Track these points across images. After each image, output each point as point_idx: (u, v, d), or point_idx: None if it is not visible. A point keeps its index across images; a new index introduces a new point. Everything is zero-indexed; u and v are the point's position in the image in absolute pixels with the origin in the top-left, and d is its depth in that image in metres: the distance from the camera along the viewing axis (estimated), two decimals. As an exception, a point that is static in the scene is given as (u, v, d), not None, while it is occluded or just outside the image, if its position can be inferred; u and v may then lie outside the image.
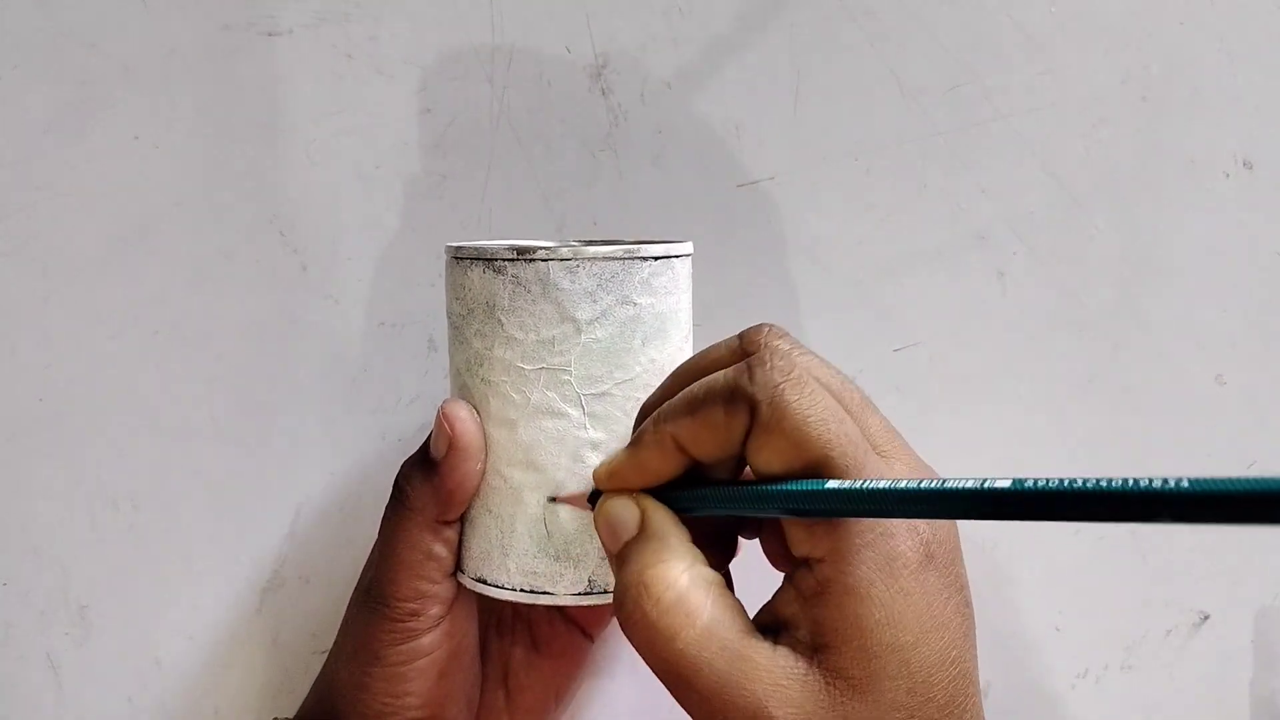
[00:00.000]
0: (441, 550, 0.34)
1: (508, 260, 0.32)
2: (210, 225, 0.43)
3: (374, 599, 0.35)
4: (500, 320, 0.32)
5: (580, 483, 0.32)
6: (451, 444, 0.33)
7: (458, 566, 0.35)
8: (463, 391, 0.34)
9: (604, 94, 0.42)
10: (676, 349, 0.33)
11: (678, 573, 0.28)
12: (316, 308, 0.43)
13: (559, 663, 0.40)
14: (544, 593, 0.33)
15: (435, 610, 0.35)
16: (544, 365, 0.32)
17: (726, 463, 0.30)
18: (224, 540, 0.44)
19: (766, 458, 0.28)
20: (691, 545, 0.29)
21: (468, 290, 0.33)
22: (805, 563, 0.28)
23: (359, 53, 0.42)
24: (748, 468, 0.29)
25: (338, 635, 0.37)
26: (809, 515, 0.27)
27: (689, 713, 0.28)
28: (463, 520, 0.35)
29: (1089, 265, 0.42)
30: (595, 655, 0.43)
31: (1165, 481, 0.21)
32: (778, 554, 0.32)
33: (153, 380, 0.43)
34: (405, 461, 0.35)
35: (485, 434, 0.33)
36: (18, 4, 0.42)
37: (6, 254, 0.43)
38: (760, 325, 0.30)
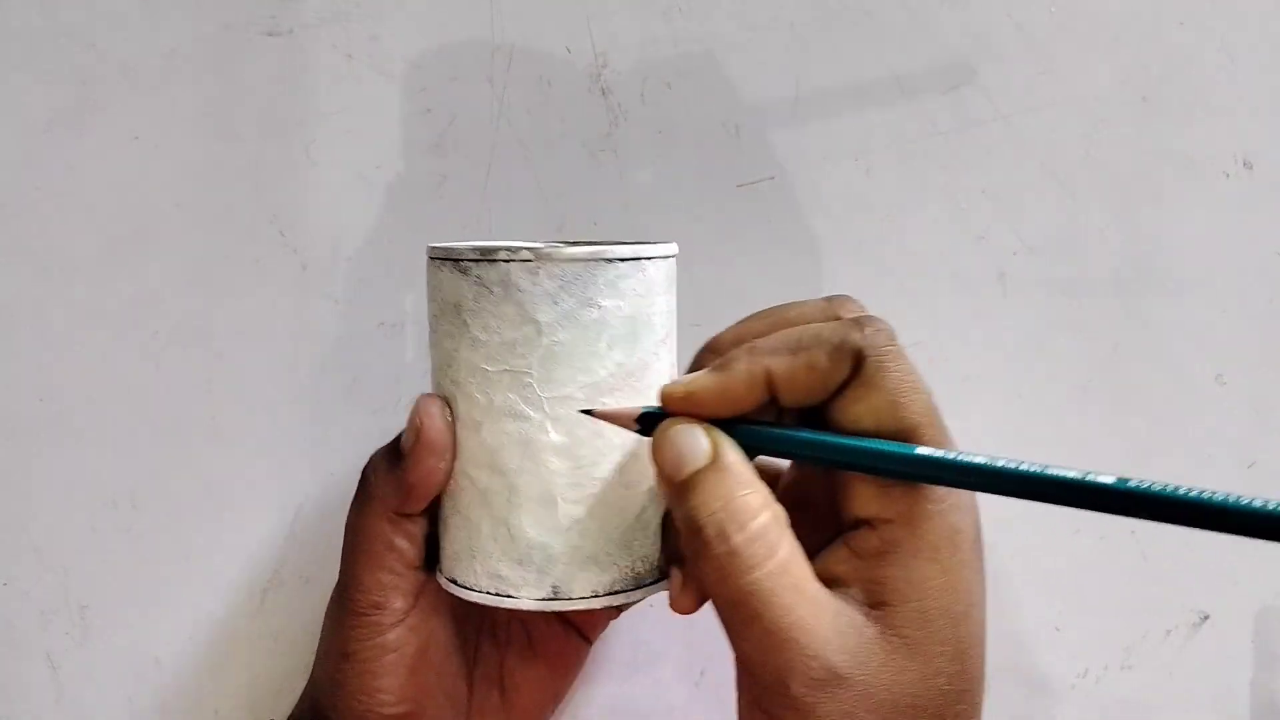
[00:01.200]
0: (403, 543, 0.34)
1: (472, 261, 0.32)
2: (210, 225, 0.43)
3: (340, 592, 0.35)
4: (466, 321, 0.32)
5: (542, 486, 0.32)
6: (418, 438, 0.33)
7: (437, 567, 0.35)
8: (437, 392, 0.34)
9: (604, 94, 0.42)
10: (649, 353, 0.32)
11: (760, 505, 0.28)
12: (316, 308, 0.43)
13: (555, 664, 0.40)
14: (507, 596, 0.32)
15: (399, 604, 0.35)
16: (507, 367, 0.31)
17: (768, 410, 0.30)
18: (224, 540, 0.43)
19: (858, 413, 0.28)
20: (764, 483, 0.29)
21: (439, 291, 0.33)
22: (866, 524, 0.28)
23: (359, 53, 0.42)
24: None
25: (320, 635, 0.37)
26: (894, 476, 0.28)
27: (745, 648, 0.28)
28: (439, 520, 0.35)
29: (1089, 265, 0.42)
30: (594, 656, 0.43)
31: (1265, 502, 0.22)
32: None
33: (153, 380, 0.43)
34: (375, 452, 0.35)
35: (456, 434, 0.33)
36: (18, 4, 0.42)
37: (6, 254, 0.43)
38: (847, 295, 0.31)
